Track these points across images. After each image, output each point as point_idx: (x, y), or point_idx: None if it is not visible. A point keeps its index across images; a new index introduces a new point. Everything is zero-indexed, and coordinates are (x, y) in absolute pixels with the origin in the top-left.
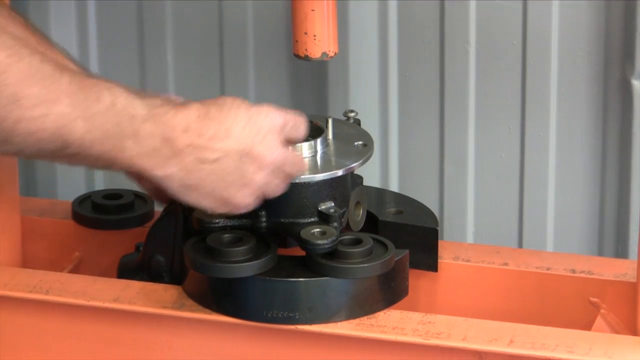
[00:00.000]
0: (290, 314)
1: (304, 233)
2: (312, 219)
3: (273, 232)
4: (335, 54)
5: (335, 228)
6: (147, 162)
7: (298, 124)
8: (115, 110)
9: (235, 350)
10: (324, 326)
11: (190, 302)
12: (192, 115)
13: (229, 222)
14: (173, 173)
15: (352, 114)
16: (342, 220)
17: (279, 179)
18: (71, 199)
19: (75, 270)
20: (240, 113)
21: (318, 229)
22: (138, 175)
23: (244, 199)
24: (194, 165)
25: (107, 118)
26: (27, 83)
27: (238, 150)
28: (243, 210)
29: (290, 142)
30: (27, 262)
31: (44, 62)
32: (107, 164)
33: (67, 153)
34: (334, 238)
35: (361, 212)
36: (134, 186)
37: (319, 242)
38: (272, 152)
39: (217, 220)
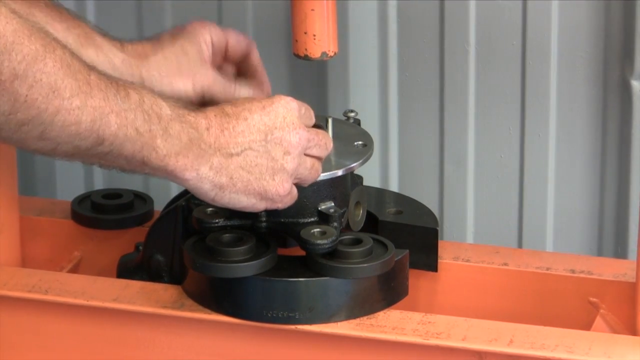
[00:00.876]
0: (291, 314)
1: (304, 233)
2: (312, 219)
3: (273, 232)
4: (335, 53)
5: (335, 228)
6: (178, 162)
7: (309, 110)
8: (143, 107)
9: (235, 350)
10: (324, 326)
11: (190, 302)
12: (210, 114)
13: (229, 222)
14: (203, 173)
15: (352, 114)
16: (342, 220)
17: (310, 159)
18: (70, 199)
19: (75, 269)
20: (254, 105)
21: (318, 229)
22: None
23: (281, 187)
24: (221, 162)
25: (137, 115)
26: (63, 73)
27: (260, 138)
28: (287, 201)
29: (309, 126)
30: (26, 261)
31: (73, 57)
32: (139, 164)
33: (100, 150)
34: (334, 238)
35: (361, 212)
36: (133, 186)
37: (319, 242)
38: (295, 133)
39: (217, 220)
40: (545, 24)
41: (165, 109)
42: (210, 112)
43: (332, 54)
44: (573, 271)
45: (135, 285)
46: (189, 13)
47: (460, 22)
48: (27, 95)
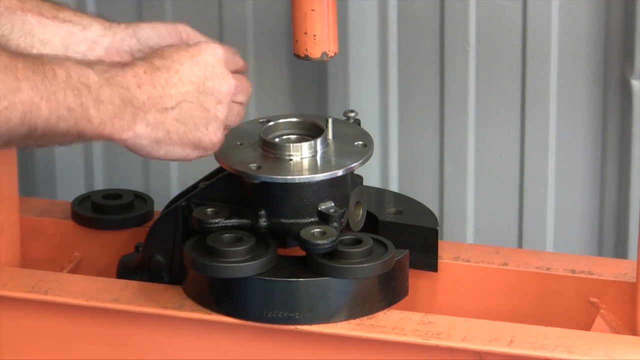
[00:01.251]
0: (290, 314)
1: (304, 233)
2: (312, 219)
3: (273, 232)
4: (335, 53)
5: (335, 228)
6: (114, 126)
7: (234, 54)
8: (71, 83)
9: (235, 350)
10: (324, 326)
11: (190, 302)
12: (139, 70)
13: (229, 222)
14: (140, 131)
15: (352, 114)
16: (342, 220)
17: (236, 106)
18: (71, 199)
19: (75, 270)
20: (182, 55)
21: (318, 229)
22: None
23: (214, 136)
24: (157, 117)
25: (66, 93)
26: None
27: (193, 89)
28: (213, 149)
29: (234, 71)
30: (26, 262)
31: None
32: (75, 137)
33: (35, 136)
34: (334, 238)
35: (361, 212)
36: (133, 186)
37: (319, 242)
38: (225, 82)
39: (216, 220)
40: (545, 24)
41: (93, 77)
42: (139, 67)
43: (332, 54)
44: (573, 271)
45: (135, 285)
46: (189, 13)
47: (460, 22)
48: None
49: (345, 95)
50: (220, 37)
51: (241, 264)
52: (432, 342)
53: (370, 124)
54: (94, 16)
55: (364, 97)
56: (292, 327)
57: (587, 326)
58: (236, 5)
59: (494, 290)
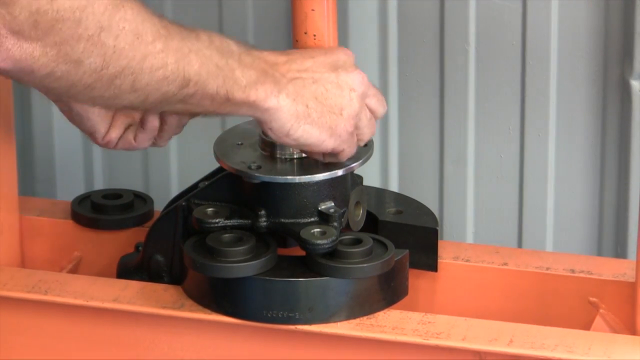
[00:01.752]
0: (290, 314)
1: (304, 233)
2: (312, 219)
3: (273, 232)
4: None
5: (335, 228)
6: (258, 91)
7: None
8: (215, 46)
9: (235, 350)
10: (324, 326)
11: (190, 302)
12: (276, 53)
13: (229, 222)
14: (282, 100)
15: None
16: (342, 220)
17: (368, 111)
18: (70, 199)
19: (75, 270)
20: (315, 50)
21: (318, 229)
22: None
23: (349, 124)
24: (297, 90)
25: (212, 52)
26: (142, 19)
27: (329, 73)
28: (351, 144)
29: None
30: (26, 262)
31: (144, 6)
32: (223, 100)
33: (186, 93)
34: (334, 238)
35: (361, 212)
36: (133, 186)
37: (319, 242)
38: (358, 73)
39: (217, 220)
40: (545, 24)
41: (234, 46)
42: (276, 52)
43: None
44: (573, 271)
45: (135, 285)
46: (189, 13)
47: (460, 22)
48: (114, 46)
49: None
50: None
51: (241, 264)
52: (432, 342)
53: None
54: None
55: None
56: (292, 327)
57: (587, 326)
58: (236, 5)
59: (494, 290)
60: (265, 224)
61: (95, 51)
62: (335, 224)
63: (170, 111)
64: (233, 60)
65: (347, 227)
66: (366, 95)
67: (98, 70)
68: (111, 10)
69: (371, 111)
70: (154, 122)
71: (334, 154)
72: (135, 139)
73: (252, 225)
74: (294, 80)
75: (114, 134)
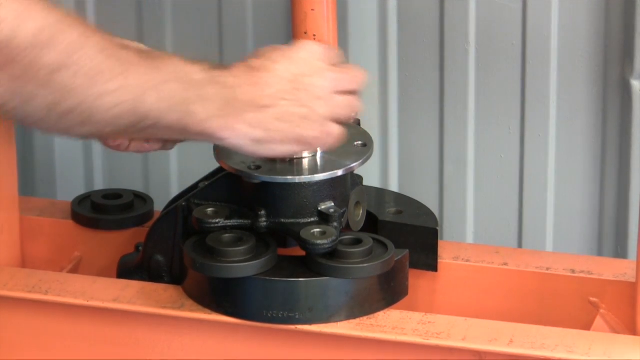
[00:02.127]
0: (290, 314)
1: (304, 233)
2: (312, 219)
3: (273, 232)
4: None
5: (335, 228)
6: (215, 124)
7: (332, 50)
8: (178, 77)
9: (235, 350)
10: (324, 326)
11: (190, 302)
12: (238, 71)
13: (229, 222)
14: (239, 130)
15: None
16: (342, 220)
17: (343, 97)
18: (70, 199)
19: (75, 270)
20: (278, 54)
21: (318, 229)
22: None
23: (317, 131)
24: (257, 117)
25: (172, 85)
26: (103, 57)
27: (290, 87)
28: (329, 141)
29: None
30: (26, 262)
31: (108, 40)
32: (179, 132)
33: (143, 126)
34: (334, 238)
35: (361, 212)
36: (133, 186)
37: (319, 242)
38: (321, 77)
39: (217, 220)
40: (545, 24)
41: (198, 74)
42: (238, 68)
43: None
44: (573, 271)
45: (135, 285)
46: (189, 13)
47: (460, 22)
48: (69, 85)
49: None
50: (220, 37)
51: (241, 264)
52: (432, 342)
53: (370, 124)
54: None
55: (364, 97)
56: (292, 327)
57: (587, 326)
58: (236, 5)
59: (494, 290)
60: (265, 224)
61: (49, 89)
62: (335, 224)
63: (127, 138)
64: (193, 94)
65: (347, 227)
66: (335, 89)
67: (50, 107)
68: (71, 49)
69: (347, 94)
70: None
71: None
72: (147, 142)
73: (252, 225)
74: (253, 105)
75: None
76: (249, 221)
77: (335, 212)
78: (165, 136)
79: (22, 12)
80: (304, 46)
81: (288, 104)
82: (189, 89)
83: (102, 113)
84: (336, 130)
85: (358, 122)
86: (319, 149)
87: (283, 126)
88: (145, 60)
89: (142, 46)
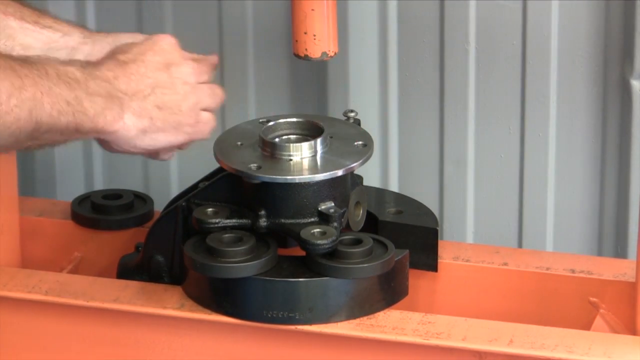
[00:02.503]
0: (290, 314)
1: (304, 233)
2: (312, 219)
3: (273, 232)
4: (335, 53)
5: (335, 228)
6: (106, 118)
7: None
8: (62, 78)
9: (235, 350)
10: (324, 326)
11: (190, 302)
12: (111, 65)
13: (229, 222)
14: (128, 121)
15: (352, 114)
16: (342, 220)
17: (206, 86)
18: (70, 199)
19: (75, 270)
20: (142, 48)
21: (318, 229)
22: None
23: (192, 118)
24: (140, 105)
25: (60, 88)
26: None
27: (162, 76)
28: (203, 129)
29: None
30: (26, 262)
31: (0, 56)
32: (72, 132)
33: (39, 133)
34: (334, 238)
35: (361, 212)
36: (133, 186)
37: (319, 242)
38: (185, 64)
39: (216, 220)
40: (545, 24)
41: (77, 73)
42: (109, 63)
43: (332, 54)
44: (573, 271)
45: (135, 285)
46: (189, 13)
47: (460, 22)
48: None
49: (345, 95)
50: (220, 37)
51: (241, 264)
52: (432, 342)
53: (370, 124)
54: (74, 24)
55: (364, 97)
56: (292, 327)
57: (587, 326)
58: (236, 5)
59: (494, 290)
60: (265, 224)
61: None
62: (335, 224)
63: (18, 149)
64: (80, 91)
65: (347, 227)
66: (198, 78)
67: None
68: None
69: (210, 85)
70: None
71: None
72: None
73: (252, 225)
74: (135, 95)
75: None
76: (249, 221)
77: (335, 212)
78: (57, 139)
79: None
80: (162, 38)
81: (163, 92)
82: (75, 87)
83: (3, 131)
84: (210, 119)
85: (358, 122)
86: (195, 139)
87: (164, 114)
88: (32, 68)
89: (22, 55)
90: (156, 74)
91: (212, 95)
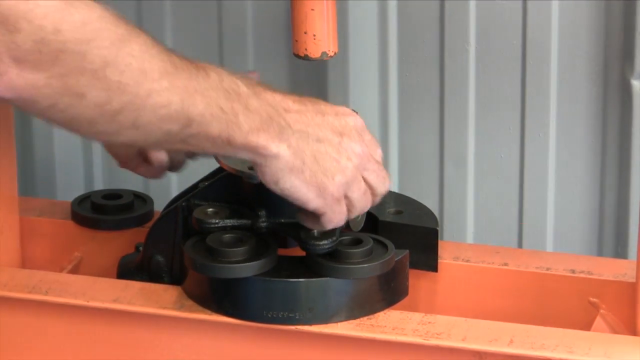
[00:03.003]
0: (291, 314)
1: (303, 233)
2: None
3: (273, 232)
4: (335, 53)
5: (335, 228)
6: (260, 138)
7: (374, 139)
8: (223, 86)
9: (235, 350)
10: (324, 326)
11: (190, 302)
12: (288, 99)
13: (229, 222)
14: (282, 150)
15: None
16: None
17: (364, 184)
18: (70, 199)
19: (75, 270)
20: (327, 108)
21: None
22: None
23: (337, 191)
24: (299, 144)
25: (219, 93)
26: (149, 56)
27: (334, 136)
28: (337, 211)
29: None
30: (26, 262)
31: (154, 40)
32: (223, 144)
33: (188, 133)
34: (334, 238)
35: None
36: (133, 186)
37: (319, 242)
38: (361, 143)
39: (216, 221)
40: (545, 24)
41: (243, 87)
42: (288, 98)
43: (332, 53)
44: (573, 271)
45: (135, 286)
46: (189, 13)
47: (460, 22)
48: (119, 82)
49: (345, 95)
50: (220, 37)
51: (241, 264)
52: (432, 342)
53: (370, 124)
54: None
55: (364, 97)
56: (292, 327)
57: (587, 326)
58: (236, 5)
59: (494, 290)
60: (265, 224)
61: (99, 85)
62: None
63: (169, 150)
64: (239, 104)
65: (347, 227)
66: (364, 168)
67: (101, 105)
68: (118, 44)
69: (370, 187)
70: (160, 156)
71: (316, 215)
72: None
73: (252, 225)
74: (299, 133)
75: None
76: (249, 221)
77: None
78: (208, 148)
79: (64, 7)
80: (352, 114)
81: (327, 149)
82: (234, 99)
83: (150, 113)
84: (344, 212)
85: None
86: (324, 215)
87: (317, 167)
88: (192, 66)
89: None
90: (327, 132)
91: (362, 195)
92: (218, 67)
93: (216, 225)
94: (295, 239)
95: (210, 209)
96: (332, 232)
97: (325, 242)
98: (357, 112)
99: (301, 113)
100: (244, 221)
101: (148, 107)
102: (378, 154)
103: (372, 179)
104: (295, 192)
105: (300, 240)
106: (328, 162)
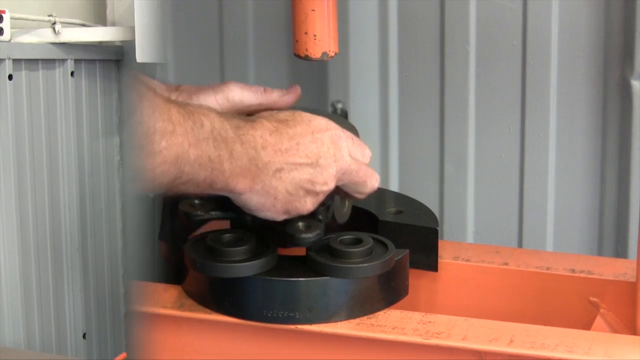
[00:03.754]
0: (291, 314)
1: (288, 227)
2: None
3: (258, 225)
4: (335, 53)
5: (320, 221)
6: (239, 181)
7: (360, 144)
8: (214, 135)
9: (235, 350)
10: (324, 326)
11: (190, 302)
12: (266, 132)
13: (214, 214)
14: (256, 189)
15: (340, 105)
16: (327, 213)
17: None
18: None
19: None
20: (305, 129)
21: (303, 223)
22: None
23: (306, 208)
24: (272, 183)
25: (209, 143)
26: (154, 119)
27: (308, 165)
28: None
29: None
30: None
31: (156, 96)
32: (206, 187)
33: (179, 182)
34: (318, 232)
35: (347, 203)
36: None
37: (304, 235)
38: (334, 165)
39: (202, 213)
40: (545, 24)
41: (229, 132)
42: (266, 128)
43: (332, 54)
44: (573, 271)
45: (135, 285)
46: (189, 13)
47: (460, 22)
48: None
49: (345, 95)
50: (220, 37)
51: (241, 264)
52: (432, 341)
53: (370, 124)
54: None
55: (364, 97)
56: (293, 326)
57: (587, 326)
58: (236, 5)
59: (494, 290)
60: (250, 217)
61: None
62: (320, 217)
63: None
64: (225, 151)
65: (333, 219)
66: (342, 182)
67: None
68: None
69: (355, 191)
70: None
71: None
72: None
73: (238, 218)
74: (274, 171)
75: None
76: (235, 214)
77: (319, 205)
78: (193, 190)
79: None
80: (329, 131)
81: (300, 178)
82: (221, 146)
83: (148, 172)
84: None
85: (345, 114)
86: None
87: (288, 198)
88: (188, 117)
89: (185, 102)
90: (303, 160)
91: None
92: (210, 111)
93: (202, 217)
94: (281, 232)
95: (197, 201)
96: (317, 225)
97: (309, 235)
98: (346, 111)
99: (277, 149)
100: (230, 214)
101: (148, 165)
102: (367, 155)
103: (352, 186)
104: (268, 218)
105: (285, 234)
106: (301, 190)
